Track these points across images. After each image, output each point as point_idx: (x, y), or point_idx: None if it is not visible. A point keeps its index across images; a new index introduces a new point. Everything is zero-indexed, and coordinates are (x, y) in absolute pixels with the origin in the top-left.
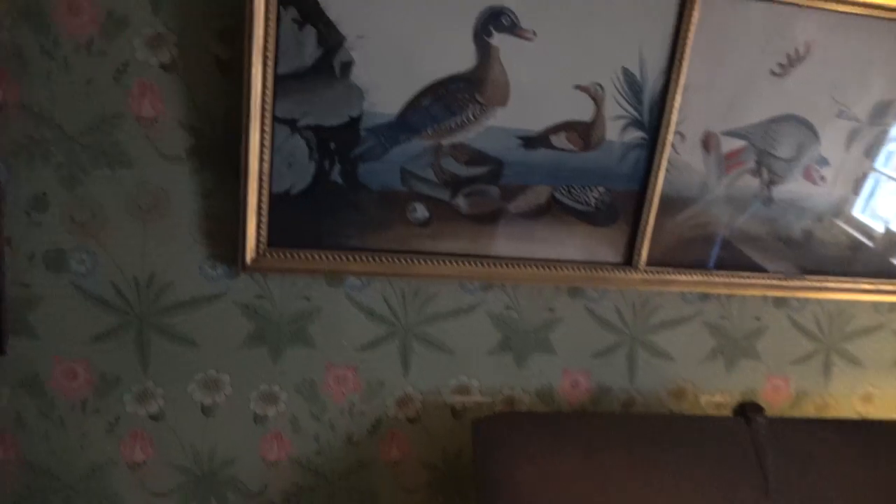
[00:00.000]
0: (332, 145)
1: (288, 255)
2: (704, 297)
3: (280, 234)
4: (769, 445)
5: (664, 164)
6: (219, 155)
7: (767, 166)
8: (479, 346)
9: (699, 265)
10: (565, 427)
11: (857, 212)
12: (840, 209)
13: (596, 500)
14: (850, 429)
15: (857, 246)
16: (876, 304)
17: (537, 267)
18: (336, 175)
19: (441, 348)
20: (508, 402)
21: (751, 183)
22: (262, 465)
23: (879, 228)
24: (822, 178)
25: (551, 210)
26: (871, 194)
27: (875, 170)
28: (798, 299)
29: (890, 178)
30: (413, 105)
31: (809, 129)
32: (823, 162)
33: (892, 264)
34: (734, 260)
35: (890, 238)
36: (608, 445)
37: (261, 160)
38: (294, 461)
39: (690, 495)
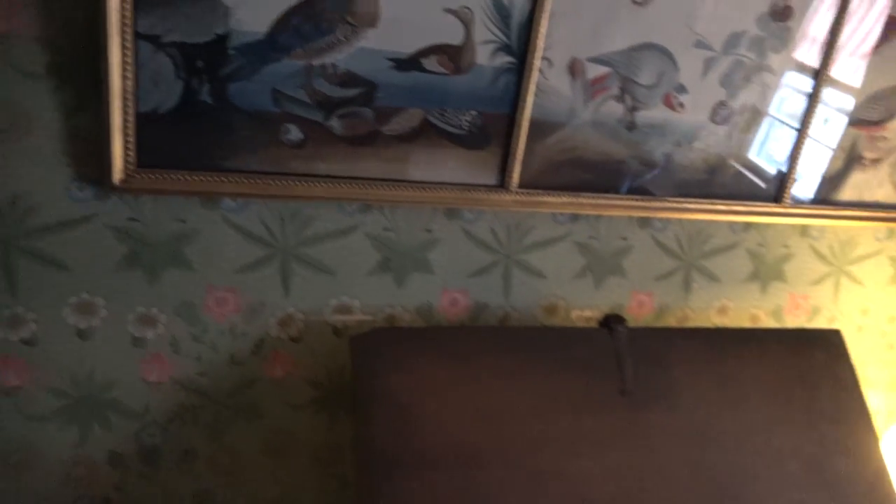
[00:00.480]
0: (200, 64)
1: (159, 176)
2: (574, 218)
3: (150, 154)
4: (628, 352)
5: (532, 88)
6: (81, 72)
7: (630, 93)
8: (359, 267)
9: (568, 187)
10: (440, 340)
11: (713, 137)
12: (697, 135)
13: (468, 405)
14: (702, 335)
15: (712, 170)
16: (731, 224)
17: (413, 189)
18: (205, 94)
19: (321, 269)
20: (389, 321)
21: (615, 109)
22: (144, 386)
23: (733, 154)
24: (681, 104)
25: (425, 133)
26: (725, 120)
27: (725, 100)
28: (660, 220)
29: (741, 107)
30: (281, 23)
31: (669, 58)
32: (682, 89)
33: (744, 187)
34: (602, 182)
35: (743, 163)
36: (481, 355)
37: (124, 78)
38: (176, 382)
39: (555, 396)
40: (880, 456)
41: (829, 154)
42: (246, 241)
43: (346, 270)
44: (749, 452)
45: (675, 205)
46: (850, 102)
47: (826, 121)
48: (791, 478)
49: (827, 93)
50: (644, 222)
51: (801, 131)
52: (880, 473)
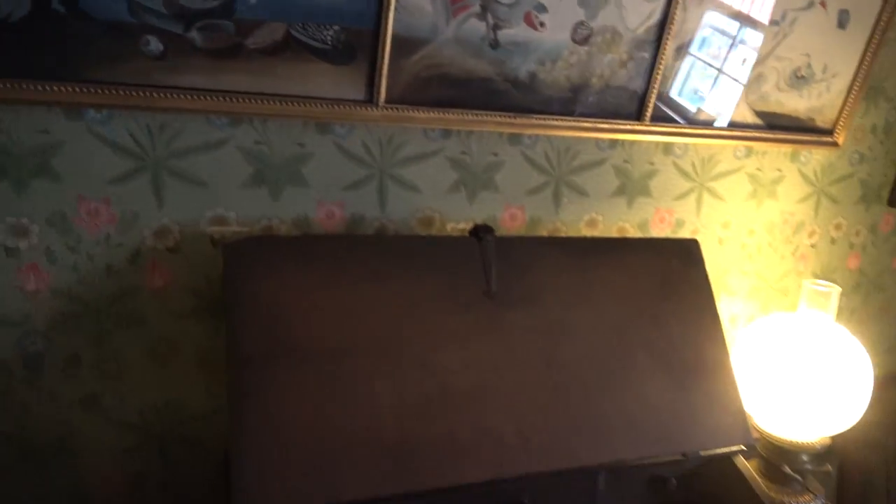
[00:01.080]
0: None
1: (16, 86)
2: (446, 134)
3: (4, 64)
4: (494, 258)
5: (393, 4)
6: None
7: (491, 11)
8: (233, 180)
9: (437, 104)
10: (312, 247)
11: (575, 57)
12: (559, 54)
13: (338, 305)
14: (566, 243)
15: (576, 88)
16: (597, 141)
17: (282, 103)
18: (56, 3)
19: (194, 181)
20: (266, 232)
21: (478, 27)
22: (22, 296)
23: (596, 74)
24: (542, 23)
25: (290, 47)
26: (586, 40)
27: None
28: (529, 136)
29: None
30: None
31: None
32: (542, 9)
33: (608, 106)
34: (470, 99)
35: (606, 82)
36: (352, 261)
37: None
38: (55, 291)
39: (423, 297)
40: (725, 350)
41: (691, 73)
42: (115, 152)
43: (219, 183)
44: (602, 346)
45: (541, 122)
46: (714, 19)
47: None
48: (639, 368)
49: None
50: (514, 139)
51: (659, 50)
52: (723, 365)
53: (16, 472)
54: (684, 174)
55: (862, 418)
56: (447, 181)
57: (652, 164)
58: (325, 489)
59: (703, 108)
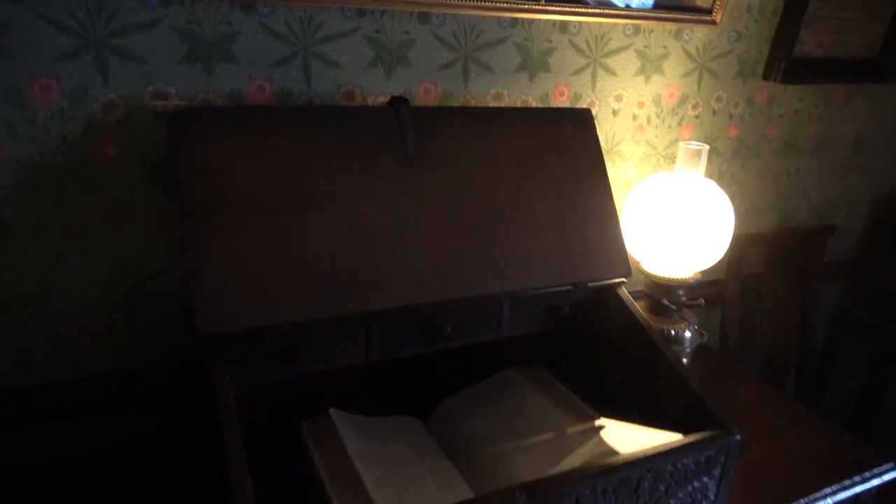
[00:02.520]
0: None
1: None
2: (361, 13)
3: None
4: (410, 125)
5: None
6: None
7: None
8: (170, 57)
9: None
10: (248, 116)
11: None
12: None
13: (272, 167)
14: (475, 112)
15: None
16: (499, 20)
17: None
18: None
19: (134, 58)
20: (204, 105)
21: None
22: None
23: None
24: None
25: None
26: None
27: None
28: (437, 15)
29: None
30: None
31: None
32: None
33: None
34: None
35: None
36: (283, 128)
37: None
38: (17, 161)
39: (347, 159)
40: (611, 202)
41: None
42: (59, 32)
43: (157, 59)
44: (504, 199)
45: (447, 1)
46: None
47: None
48: (537, 220)
49: None
50: (423, 17)
51: None
52: (609, 214)
53: (0, 326)
54: (580, 51)
55: (742, 271)
56: (366, 58)
57: (550, 41)
58: (269, 312)
59: None
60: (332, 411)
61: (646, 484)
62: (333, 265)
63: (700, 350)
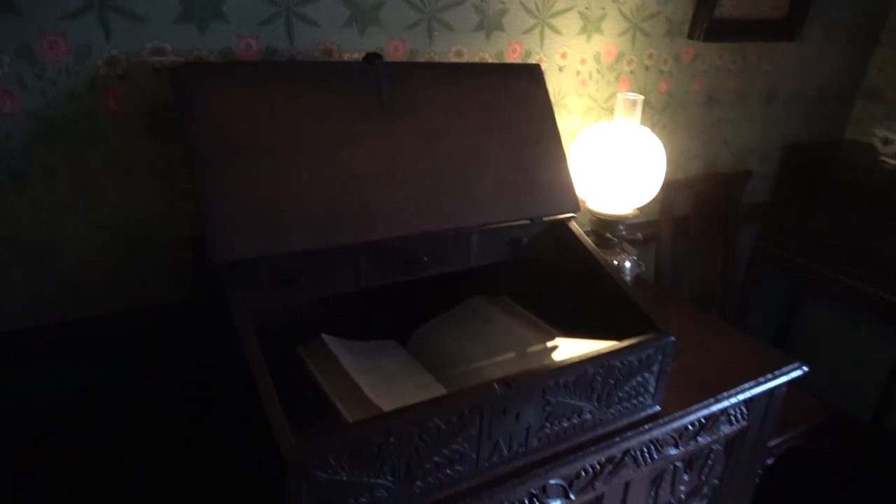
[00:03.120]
0: None
1: None
2: None
3: None
4: (384, 78)
5: None
6: None
7: None
8: (166, 15)
9: None
10: (240, 71)
11: None
12: None
13: (266, 115)
14: (441, 67)
15: None
16: None
17: None
18: None
19: (133, 17)
20: (198, 60)
21: None
22: (1, 117)
23: None
24: None
25: None
26: None
27: None
28: None
29: None
30: None
31: None
32: None
33: None
34: None
35: None
36: (272, 81)
37: None
38: (28, 113)
39: (330, 108)
40: (561, 147)
41: None
42: None
43: (154, 18)
44: (469, 144)
45: None
46: None
47: None
48: (497, 162)
49: None
50: None
51: None
52: (559, 158)
53: (13, 268)
54: (529, 12)
55: (674, 213)
56: (341, 18)
57: (503, 3)
58: (271, 244)
59: None
60: (323, 335)
61: (598, 378)
62: (324, 203)
63: (637, 282)
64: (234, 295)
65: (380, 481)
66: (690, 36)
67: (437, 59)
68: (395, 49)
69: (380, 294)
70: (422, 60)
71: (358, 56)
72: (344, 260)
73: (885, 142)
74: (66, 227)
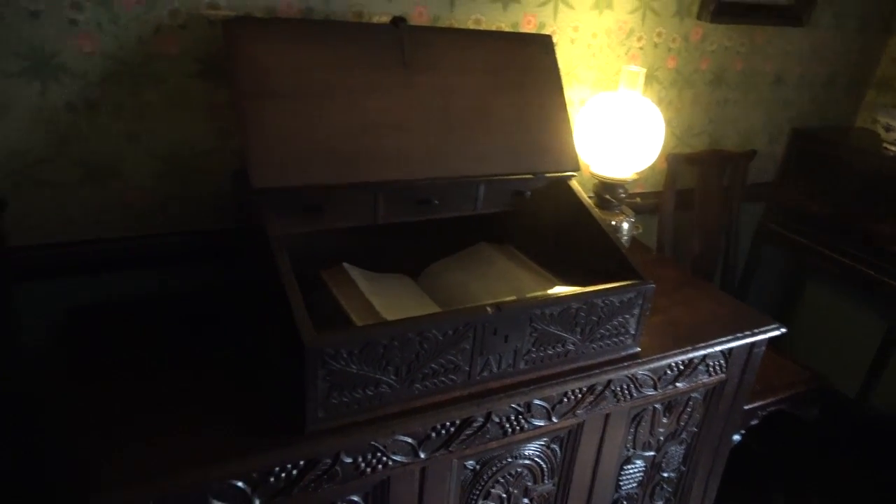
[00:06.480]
0: None
1: None
2: None
3: None
4: (407, 39)
5: None
6: None
7: None
8: None
9: None
10: (282, 25)
11: None
12: None
13: (304, 63)
14: (459, 32)
15: None
16: None
17: None
18: None
19: None
20: (246, 15)
21: None
22: (81, 55)
23: None
24: None
25: None
26: None
27: None
28: None
29: None
30: None
31: None
32: None
33: None
34: None
35: None
36: (311, 35)
37: None
38: (103, 54)
39: (359, 61)
40: (565, 111)
41: None
42: None
43: None
44: (481, 101)
45: None
46: None
47: None
48: (505, 120)
49: None
50: None
51: None
52: (563, 120)
53: (84, 185)
54: None
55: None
56: None
57: None
58: (302, 175)
59: None
60: (344, 263)
61: (581, 313)
62: (347, 144)
63: (638, 247)
64: (269, 216)
65: (384, 378)
66: (699, 17)
67: (456, 25)
68: (419, 14)
69: (394, 233)
70: (443, 25)
71: (385, 19)
72: (363, 195)
73: (888, 129)
74: (130, 155)
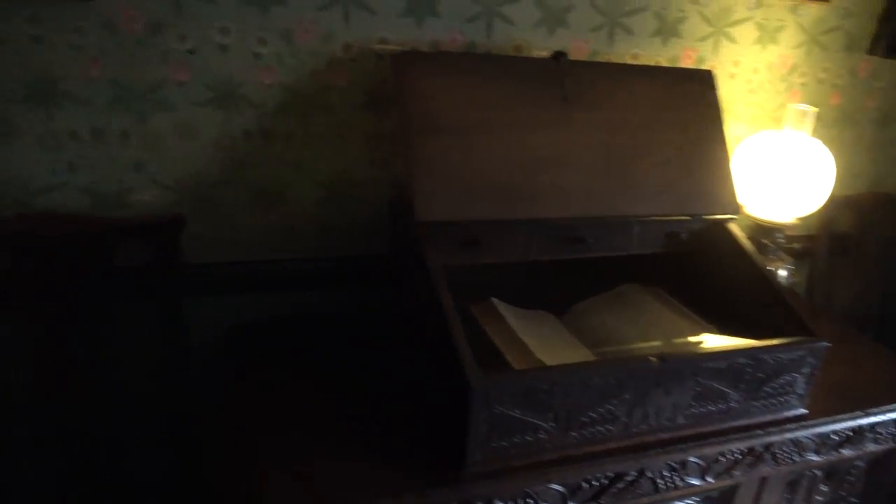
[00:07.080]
0: None
1: None
2: None
3: None
4: (568, 74)
5: None
6: None
7: None
8: (392, 10)
9: None
10: (447, 60)
11: None
12: None
13: (468, 99)
14: (620, 67)
15: None
16: None
17: None
18: None
19: (368, 10)
20: (413, 50)
21: None
22: (262, 87)
23: None
24: None
25: None
26: None
27: None
28: None
29: None
30: None
31: None
32: None
33: None
34: None
35: None
36: (475, 70)
37: None
38: (280, 85)
39: (521, 97)
40: (725, 151)
41: None
42: None
43: (383, 12)
44: (641, 138)
45: None
46: None
47: None
48: (664, 159)
49: None
50: None
51: None
52: (723, 160)
53: (253, 208)
54: (706, 20)
55: (832, 229)
56: (534, 18)
57: (682, 11)
58: (464, 210)
59: None
60: (493, 298)
61: (748, 369)
62: (506, 179)
63: (790, 295)
64: (431, 249)
65: (542, 424)
66: (870, 52)
67: (614, 59)
68: (579, 49)
69: (540, 269)
70: (602, 59)
71: (544, 53)
72: (519, 231)
73: None
74: (295, 181)
